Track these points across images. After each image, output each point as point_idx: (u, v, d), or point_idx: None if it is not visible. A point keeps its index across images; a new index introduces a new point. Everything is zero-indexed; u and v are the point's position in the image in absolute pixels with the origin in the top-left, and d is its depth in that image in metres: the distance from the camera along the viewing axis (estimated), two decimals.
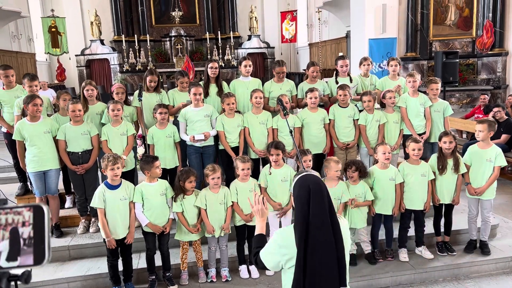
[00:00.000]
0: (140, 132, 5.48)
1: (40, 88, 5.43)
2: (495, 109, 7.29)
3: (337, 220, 2.07)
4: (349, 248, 2.21)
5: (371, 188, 4.49)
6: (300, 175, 2.17)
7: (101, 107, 5.08)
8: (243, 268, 4.40)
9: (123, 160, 4.60)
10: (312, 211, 2.01)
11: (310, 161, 4.36)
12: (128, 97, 5.30)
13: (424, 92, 5.40)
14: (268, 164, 4.41)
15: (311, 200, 2.03)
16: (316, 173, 2.25)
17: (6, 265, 1.01)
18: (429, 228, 4.80)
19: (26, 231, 1.02)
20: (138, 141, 5.88)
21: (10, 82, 5.29)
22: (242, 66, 5.40)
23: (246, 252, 4.46)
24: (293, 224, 2.11)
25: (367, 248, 4.56)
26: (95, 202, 3.94)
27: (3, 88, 5.36)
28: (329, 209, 2.04)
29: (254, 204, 2.42)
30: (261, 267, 2.27)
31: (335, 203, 4.32)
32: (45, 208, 1.04)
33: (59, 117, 4.98)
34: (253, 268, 4.39)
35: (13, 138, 4.71)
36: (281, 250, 2.11)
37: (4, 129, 5.40)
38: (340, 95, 5.10)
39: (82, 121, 4.72)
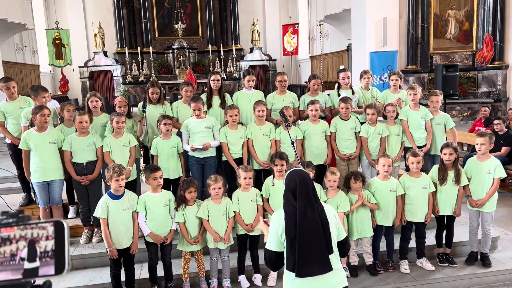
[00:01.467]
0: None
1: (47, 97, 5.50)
2: (496, 122, 7.33)
3: (321, 205, 2.53)
4: (335, 223, 2.58)
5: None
6: (290, 170, 2.62)
7: (105, 118, 5.14)
8: (242, 278, 4.42)
9: (129, 171, 4.65)
10: (299, 198, 2.46)
11: (310, 171, 4.39)
12: (131, 109, 5.36)
13: (426, 105, 5.46)
14: (272, 176, 4.45)
15: (297, 189, 2.47)
16: (302, 167, 2.79)
17: (30, 275, 1.08)
18: (430, 239, 4.81)
19: (49, 244, 1.10)
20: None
21: (12, 94, 5.36)
22: (246, 80, 5.50)
23: (247, 262, 4.48)
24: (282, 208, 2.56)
25: (369, 259, 4.58)
26: (98, 212, 3.97)
27: (6, 100, 5.42)
28: (313, 196, 2.48)
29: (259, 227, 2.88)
30: (270, 260, 2.57)
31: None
32: (65, 223, 1.12)
33: (64, 128, 5.03)
34: (257, 276, 4.42)
35: (19, 147, 4.76)
36: (277, 226, 2.53)
37: (8, 140, 5.46)
38: (342, 108, 5.16)
39: (88, 132, 4.77)
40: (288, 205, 2.49)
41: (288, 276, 2.51)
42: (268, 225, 2.73)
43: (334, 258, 2.49)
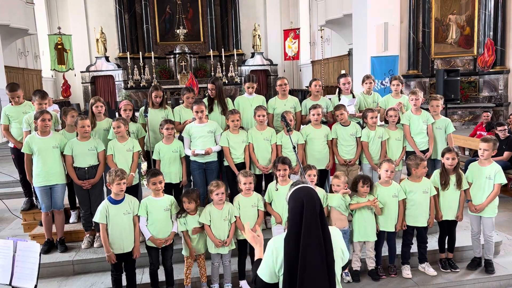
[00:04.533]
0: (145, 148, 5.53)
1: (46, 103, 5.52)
2: (500, 128, 7.29)
3: (328, 232, 2.14)
4: (340, 256, 2.24)
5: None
6: (295, 187, 2.22)
7: (108, 123, 5.14)
8: (243, 283, 4.41)
9: (131, 177, 4.65)
10: (305, 223, 2.08)
11: (315, 175, 4.40)
12: (135, 114, 5.37)
13: (427, 109, 5.46)
14: (275, 181, 4.45)
15: (304, 212, 2.09)
16: (311, 185, 2.27)
17: None
18: (432, 244, 4.80)
19: None
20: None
21: (18, 98, 5.40)
22: (246, 86, 5.52)
23: (248, 267, 4.47)
24: (285, 233, 2.19)
25: (371, 264, 4.56)
26: (97, 217, 3.97)
27: (12, 104, 5.45)
28: (320, 222, 2.11)
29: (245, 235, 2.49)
30: (257, 287, 2.26)
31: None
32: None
33: (66, 133, 5.04)
34: None
35: (22, 151, 4.77)
36: (274, 257, 2.18)
37: (11, 144, 5.48)
38: (337, 116, 5.17)
39: (90, 137, 4.78)
40: (292, 233, 2.13)
41: None
42: (258, 236, 2.48)
43: None
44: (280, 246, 2.16)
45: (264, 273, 2.21)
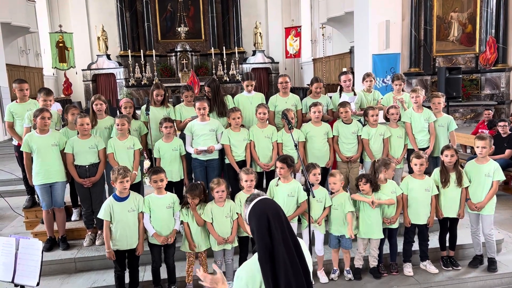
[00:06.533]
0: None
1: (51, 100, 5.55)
2: (501, 124, 7.29)
3: (298, 242, 1.90)
4: (311, 265, 2.01)
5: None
6: (252, 203, 1.93)
7: (109, 121, 5.15)
8: None
9: (134, 175, 4.66)
10: (275, 240, 1.82)
11: (319, 174, 4.40)
12: (136, 112, 5.38)
13: (429, 107, 5.46)
14: (277, 178, 4.46)
15: (271, 229, 1.83)
16: (264, 194, 2.01)
17: None
18: (433, 242, 4.80)
19: None
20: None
21: (24, 96, 5.41)
22: (244, 84, 5.52)
23: None
24: (255, 256, 1.91)
25: (373, 262, 4.57)
26: (101, 214, 3.99)
27: (17, 102, 5.46)
28: (289, 233, 1.86)
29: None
30: None
31: (338, 212, 4.38)
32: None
33: (68, 131, 5.05)
34: None
35: (21, 149, 4.78)
36: (248, 286, 1.89)
37: (15, 142, 5.49)
38: (342, 112, 5.17)
39: (90, 135, 4.78)
40: (263, 256, 1.83)
41: None
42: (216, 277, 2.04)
43: None
44: (253, 274, 1.87)
45: None
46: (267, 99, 5.59)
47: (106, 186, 5.11)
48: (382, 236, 4.49)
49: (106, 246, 3.98)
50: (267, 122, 5.15)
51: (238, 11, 19.42)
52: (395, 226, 4.54)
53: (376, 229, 4.45)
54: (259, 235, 1.85)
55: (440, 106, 5.36)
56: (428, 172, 4.75)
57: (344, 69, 13.92)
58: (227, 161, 5.03)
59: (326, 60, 17.95)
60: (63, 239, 4.91)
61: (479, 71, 12.64)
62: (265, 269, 1.82)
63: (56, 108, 5.82)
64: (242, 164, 4.94)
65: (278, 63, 20.10)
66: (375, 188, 4.45)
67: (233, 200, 4.35)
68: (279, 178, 4.40)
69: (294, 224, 4.40)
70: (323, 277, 4.49)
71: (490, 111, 9.26)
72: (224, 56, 18.55)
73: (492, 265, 4.60)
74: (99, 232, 4.94)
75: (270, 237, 1.82)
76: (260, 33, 19.40)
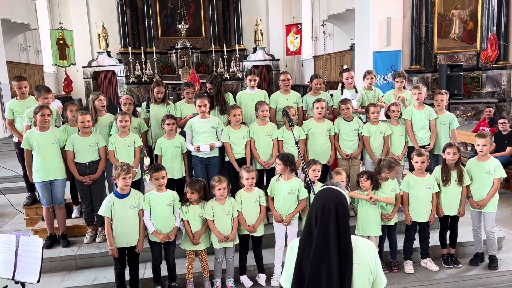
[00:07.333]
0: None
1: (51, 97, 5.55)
2: (501, 121, 7.28)
3: (347, 240, 1.89)
4: (367, 275, 1.94)
5: None
6: (322, 188, 2.06)
7: (109, 118, 5.15)
8: (244, 278, 4.43)
9: (134, 172, 4.66)
10: (319, 224, 1.90)
11: (319, 171, 4.39)
12: (136, 109, 5.37)
13: (431, 105, 5.45)
14: (278, 174, 4.46)
15: (320, 212, 1.91)
16: (339, 188, 2.04)
17: None
18: (434, 240, 4.79)
19: None
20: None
21: (23, 93, 5.40)
22: (248, 79, 5.47)
23: (249, 262, 4.49)
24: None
25: None
26: (101, 211, 3.99)
27: (16, 99, 5.46)
28: (338, 226, 1.89)
29: None
30: None
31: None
32: None
33: (68, 128, 5.04)
34: (261, 276, 4.44)
35: (21, 146, 4.78)
36: (290, 260, 2.03)
37: (15, 139, 5.48)
38: (343, 109, 5.15)
39: (91, 132, 4.78)
40: (305, 232, 1.98)
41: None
42: None
43: None
44: (295, 247, 2.00)
45: (284, 278, 2.05)
46: (268, 97, 5.57)
47: (106, 184, 5.12)
48: (380, 234, 4.48)
49: (109, 243, 3.98)
50: (268, 119, 5.13)
51: (238, 8, 19.38)
52: (391, 223, 4.53)
53: (374, 227, 4.44)
54: (308, 213, 2.00)
55: (443, 104, 5.34)
56: (428, 169, 4.74)
57: (345, 66, 13.89)
58: (227, 159, 5.02)
59: (326, 57, 17.92)
60: (64, 236, 4.91)
61: (480, 68, 12.61)
62: (300, 246, 1.96)
63: (56, 105, 5.81)
64: (242, 161, 4.94)
65: (278, 60, 20.08)
66: (376, 186, 4.44)
67: (234, 197, 4.35)
68: (280, 175, 4.40)
69: (295, 222, 4.40)
70: None
71: (491, 108, 9.24)
72: (225, 54, 18.52)
73: (493, 263, 4.60)
74: (99, 229, 4.95)
75: (316, 219, 1.92)
76: (260, 30, 19.38)
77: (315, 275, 1.87)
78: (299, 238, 2.03)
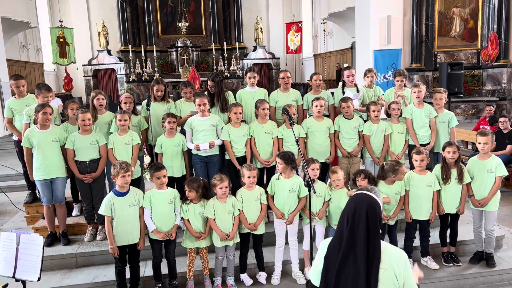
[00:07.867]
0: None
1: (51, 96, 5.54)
2: (502, 119, 7.28)
3: (376, 246, 1.97)
4: (393, 281, 1.98)
5: None
6: (356, 192, 2.13)
7: (109, 116, 5.14)
8: (244, 276, 4.43)
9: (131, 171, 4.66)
10: (350, 227, 1.98)
11: (318, 169, 4.39)
12: (136, 107, 5.36)
13: (430, 103, 5.44)
14: (279, 173, 4.46)
15: (351, 216, 2.00)
16: (372, 194, 2.10)
17: None
18: (434, 238, 4.79)
19: None
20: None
21: (21, 92, 5.41)
22: (247, 77, 5.47)
23: (250, 260, 4.49)
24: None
25: None
26: (102, 210, 3.98)
27: (15, 97, 5.46)
28: (368, 231, 1.97)
29: None
30: None
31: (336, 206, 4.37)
32: None
33: (69, 126, 5.03)
34: (262, 274, 4.44)
35: (21, 144, 4.78)
36: (320, 258, 2.11)
37: (15, 137, 5.48)
38: (344, 108, 5.15)
39: (91, 130, 4.78)
40: (336, 234, 2.07)
41: None
42: None
43: None
44: (325, 246, 2.09)
45: (312, 273, 2.15)
46: (268, 95, 5.56)
47: (107, 182, 5.11)
48: (380, 232, 4.47)
49: (109, 241, 3.98)
50: (268, 117, 5.13)
51: (239, 6, 19.38)
52: (391, 223, 4.53)
53: None
54: (341, 216, 2.08)
55: (441, 102, 5.34)
56: (429, 168, 4.74)
57: (346, 65, 13.89)
58: (227, 157, 5.02)
59: (327, 55, 17.91)
60: (64, 234, 4.91)
61: (481, 67, 12.60)
62: (329, 247, 2.05)
63: (56, 103, 5.81)
64: (242, 160, 4.94)
65: (279, 58, 20.07)
66: (373, 185, 4.44)
67: (234, 196, 4.35)
68: (281, 173, 4.39)
69: (296, 221, 4.40)
70: None
71: (491, 107, 9.23)
72: (225, 52, 18.51)
73: (490, 260, 4.61)
74: (100, 227, 4.95)
75: (347, 222, 2.00)
76: (261, 28, 19.37)
77: (342, 276, 1.94)
78: (331, 237, 2.12)
